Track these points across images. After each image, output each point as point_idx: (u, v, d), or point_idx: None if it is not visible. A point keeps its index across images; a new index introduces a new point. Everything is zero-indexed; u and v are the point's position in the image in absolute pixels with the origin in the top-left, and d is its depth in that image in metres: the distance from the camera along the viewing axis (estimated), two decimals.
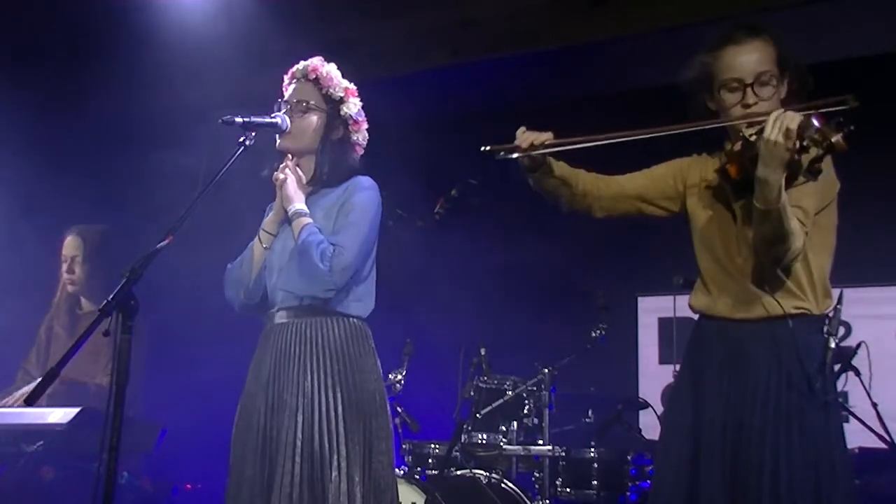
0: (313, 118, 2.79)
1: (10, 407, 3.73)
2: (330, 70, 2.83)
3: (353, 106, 2.83)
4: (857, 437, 3.96)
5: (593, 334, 4.18)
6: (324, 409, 2.61)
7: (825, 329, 2.41)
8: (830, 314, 2.45)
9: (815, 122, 2.23)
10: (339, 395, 2.64)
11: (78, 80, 5.16)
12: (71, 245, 4.12)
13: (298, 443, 2.57)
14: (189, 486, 4.56)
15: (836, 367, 3.90)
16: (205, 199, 2.43)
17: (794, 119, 2.22)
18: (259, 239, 2.82)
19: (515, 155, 2.55)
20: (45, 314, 4.20)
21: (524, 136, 2.55)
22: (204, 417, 4.65)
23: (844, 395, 4.07)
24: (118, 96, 5.42)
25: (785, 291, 2.43)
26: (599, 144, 2.51)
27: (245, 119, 2.60)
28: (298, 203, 2.75)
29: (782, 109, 2.28)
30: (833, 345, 2.39)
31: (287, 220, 2.77)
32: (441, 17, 4.91)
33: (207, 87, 5.07)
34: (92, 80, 5.19)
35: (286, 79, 2.87)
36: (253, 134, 2.60)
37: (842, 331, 4.69)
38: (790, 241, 2.30)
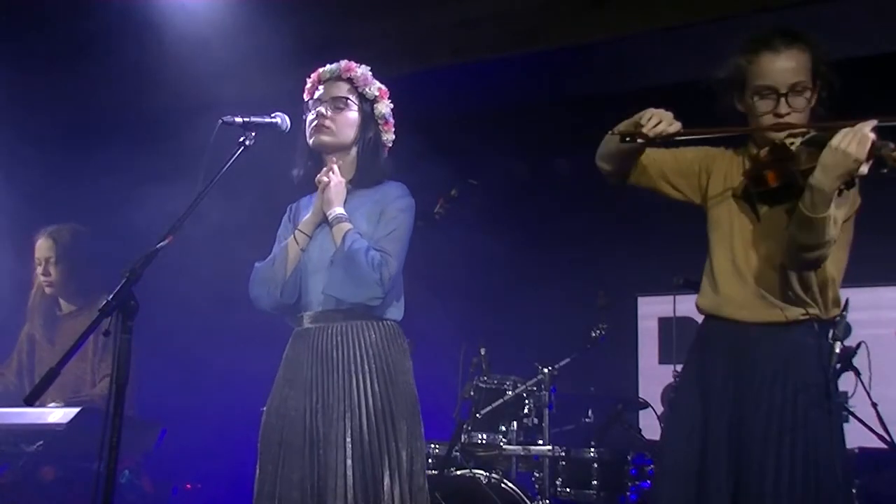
0: (350, 114, 2.83)
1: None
2: (364, 71, 2.87)
3: (386, 106, 2.89)
4: (857, 437, 3.96)
5: (593, 334, 4.17)
6: (371, 410, 2.65)
7: (831, 335, 2.41)
8: (837, 320, 2.45)
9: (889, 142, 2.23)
10: (384, 396, 2.68)
11: (73, 78, 5.15)
12: (43, 247, 4.07)
13: (349, 445, 2.60)
14: (189, 486, 4.57)
15: (837, 367, 3.93)
16: (205, 199, 2.43)
17: (868, 133, 2.20)
18: (295, 239, 2.82)
19: (640, 141, 2.46)
20: (24, 316, 4.15)
21: (654, 127, 2.42)
22: (204, 417, 4.65)
23: (844, 395, 4.08)
24: (115, 96, 5.42)
25: (795, 297, 2.43)
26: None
27: (245, 119, 2.60)
28: (339, 207, 2.77)
29: (864, 124, 2.25)
30: (838, 350, 2.39)
31: (327, 222, 2.79)
32: (441, 17, 4.91)
33: (208, 88, 5.07)
34: (87, 79, 5.19)
35: (311, 81, 2.89)
36: (253, 134, 2.60)
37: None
38: (826, 248, 2.30)
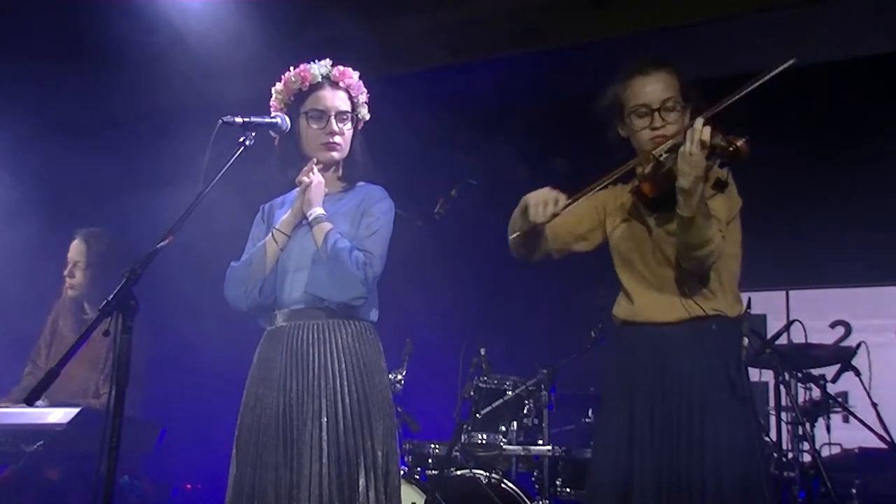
0: (350, 125, 2.88)
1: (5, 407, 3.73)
2: (356, 77, 2.90)
3: (366, 108, 2.94)
4: (857, 437, 3.96)
5: (593, 334, 4.17)
6: (348, 410, 2.65)
7: (742, 330, 2.60)
8: (742, 317, 2.64)
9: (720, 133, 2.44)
10: (360, 396, 2.68)
11: (80, 80, 5.16)
12: (75, 249, 4.08)
13: (324, 444, 2.60)
14: (189, 486, 4.57)
15: (838, 367, 3.96)
16: (205, 199, 2.43)
17: (705, 130, 2.41)
18: (274, 239, 2.82)
19: (538, 225, 2.63)
20: (52, 309, 4.16)
21: (544, 210, 2.57)
22: (204, 417, 4.65)
23: (844, 395, 4.09)
24: (118, 97, 5.43)
25: (700, 295, 2.61)
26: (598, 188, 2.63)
27: (245, 119, 2.60)
28: (319, 208, 2.78)
29: (696, 120, 2.44)
30: (746, 344, 2.59)
31: (306, 222, 2.79)
32: (441, 17, 4.91)
33: (206, 87, 5.07)
34: (93, 80, 5.19)
35: (297, 79, 2.85)
36: (253, 134, 2.60)
37: (841, 331, 4.73)
38: (711, 244, 2.48)
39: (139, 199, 4.54)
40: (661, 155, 2.56)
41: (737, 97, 2.50)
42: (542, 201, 2.57)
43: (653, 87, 2.65)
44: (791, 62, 2.44)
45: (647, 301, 2.67)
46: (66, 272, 4.08)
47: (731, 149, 2.39)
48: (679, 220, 2.47)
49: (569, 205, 2.59)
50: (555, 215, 2.58)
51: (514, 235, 2.69)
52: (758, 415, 2.68)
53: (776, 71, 2.47)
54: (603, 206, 2.82)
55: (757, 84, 2.49)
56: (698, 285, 2.60)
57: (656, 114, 2.63)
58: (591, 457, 2.81)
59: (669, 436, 2.53)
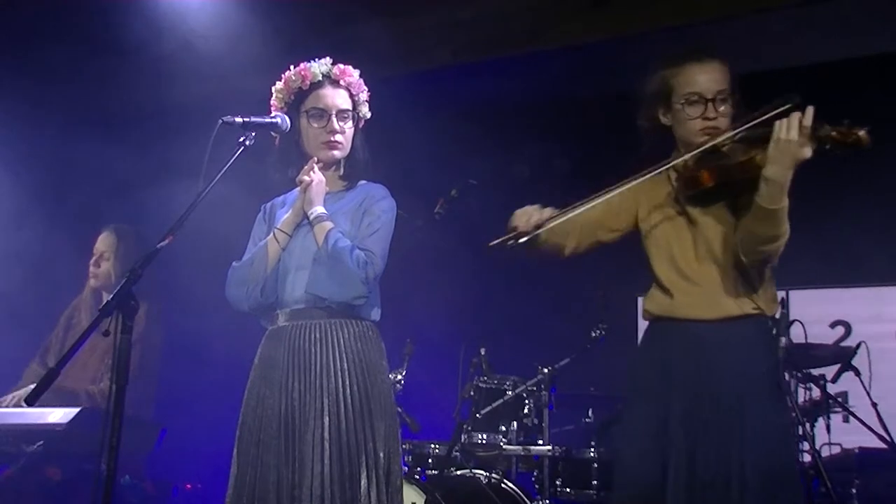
0: (351, 124, 2.87)
1: (6, 405, 3.73)
2: (357, 76, 2.90)
3: (366, 107, 2.93)
4: (857, 437, 3.96)
5: (593, 334, 4.17)
6: (350, 409, 2.65)
7: (775, 330, 2.58)
8: (777, 317, 2.62)
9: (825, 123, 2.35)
10: (362, 395, 2.68)
11: (84, 78, 5.16)
12: (105, 241, 4.07)
13: (326, 444, 2.60)
14: (189, 486, 4.57)
15: (838, 367, 3.97)
16: (206, 198, 2.43)
17: (808, 118, 2.33)
18: (275, 238, 2.82)
19: (524, 240, 2.61)
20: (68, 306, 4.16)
21: (526, 219, 2.61)
22: (204, 417, 4.65)
23: (844, 395, 4.08)
24: (120, 95, 5.43)
25: (743, 293, 2.55)
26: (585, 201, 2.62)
27: (245, 119, 2.60)
28: (320, 207, 2.78)
29: (795, 113, 2.37)
30: (783, 344, 2.58)
31: (308, 221, 2.79)
32: (441, 17, 4.91)
33: (205, 87, 5.07)
34: (98, 78, 5.20)
35: (298, 78, 2.85)
36: (253, 134, 2.61)
37: (841, 331, 4.73)
38: (782, 239, 2.43)
39: (148, 195, 4.54)
40: (723, 145, 2.50)
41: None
42: (528, 212, 2.61)
43: (708, 77, 2.58)
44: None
45: (687, 297, 2.59)
46: (91, 262, 4.07)
47: (849, 140, 2.29)
48: (758, 211, 2.40)
49: (553, 218, 2.58)
50: (538, 226, 2.58)
51: (511, 245, 2.65)
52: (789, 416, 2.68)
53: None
54: (635, 199, 2.74)
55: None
56: (745, 282, 2.55)
57: (710, 104, 2.56)
58: (620, 452, 2.70)
59: (707, 432, 2.47)
